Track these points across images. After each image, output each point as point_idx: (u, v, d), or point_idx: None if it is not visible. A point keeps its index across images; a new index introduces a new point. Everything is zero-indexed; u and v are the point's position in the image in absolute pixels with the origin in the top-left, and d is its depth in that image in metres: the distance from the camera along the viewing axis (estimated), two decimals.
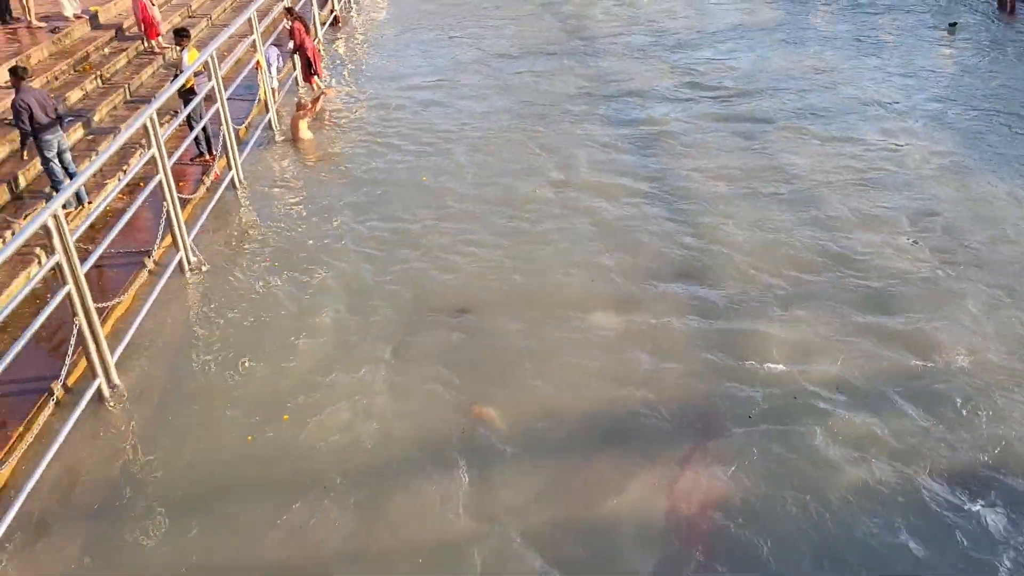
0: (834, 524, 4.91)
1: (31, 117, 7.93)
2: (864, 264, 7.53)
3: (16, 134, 8.52)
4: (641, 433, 5.65)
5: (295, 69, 12.76)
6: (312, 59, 12.42)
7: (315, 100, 11.15)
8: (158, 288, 7.17)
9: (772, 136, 10.52)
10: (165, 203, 7.49)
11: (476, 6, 17.78)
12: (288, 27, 12.37)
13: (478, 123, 11.24)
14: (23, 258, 7.32)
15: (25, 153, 8.58)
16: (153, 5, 12.59)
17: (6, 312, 5.21)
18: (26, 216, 8.04)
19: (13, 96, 8.07)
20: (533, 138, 10.63)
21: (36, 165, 8.63)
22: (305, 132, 10.80)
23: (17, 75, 8.02)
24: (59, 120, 8.23)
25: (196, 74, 9.40)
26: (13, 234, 7.25)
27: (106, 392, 6.03)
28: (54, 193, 8.05)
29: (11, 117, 8.21)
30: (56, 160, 8.21)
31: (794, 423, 5.67)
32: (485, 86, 12.81)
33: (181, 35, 9.82)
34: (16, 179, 8.60)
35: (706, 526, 4.96)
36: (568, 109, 11.67)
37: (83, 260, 5.88)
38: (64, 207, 5.91)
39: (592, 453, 5.50)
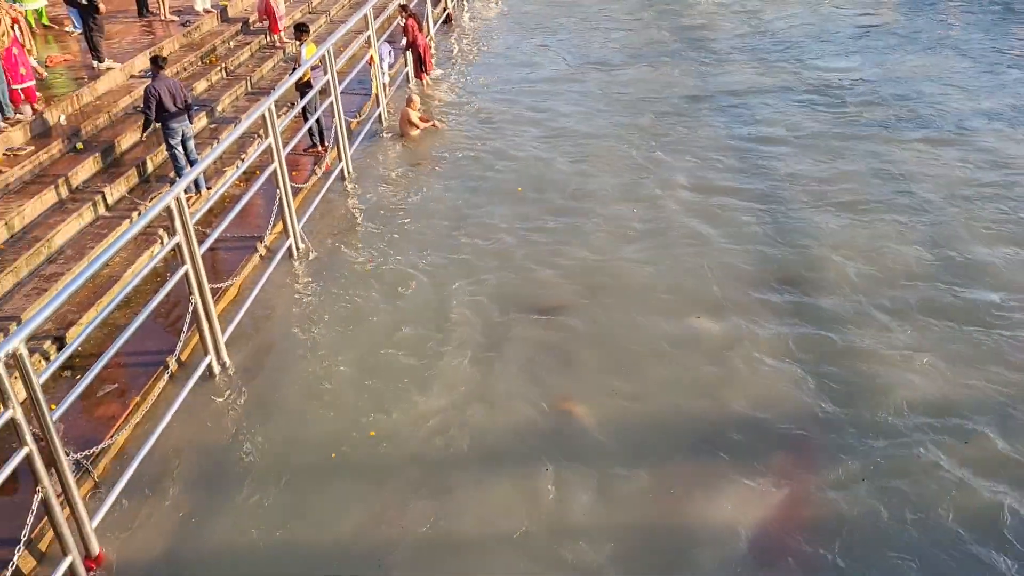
0: (935, 566, 4.59)
1: (159, 105, 8.38)
2: (994, 283, 7.03)
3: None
4: (733, 446, 5.45)
5: (406, 65, 13.05)
6: (423, 55, 12.68)
7: (424, 119, 11.18)
8: (268, 272, 7.48)
9: (896, 147, 9.96)
10: (278, 191, 7.79)
11: (586, 9, 17.68)
12: (402, 24, 12.67)
13: (583, 126, 11.15)
14: (147, 238, 7.78)
15: (144, 135, 9.04)
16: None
17: (130, 287, 5.52)
18: (152, 199, 8.53)
19: (149, 82, 8.55)
20: (640, 142, 10.45)
21: (163, 151, 9.13)
22: (413, 129, 11.00)
23: (157, 64, 8.52)
24: (188, 109, 8.66)
25: (313, 68, 9.74)
26: (139, 215, 7.69)
27: (216, 369, 6.32)
28: (177, 178, 8.49)
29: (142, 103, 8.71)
30: (180, 147, 8.66)
31: (899, 453, 5.33)
32: (593, 88, 12.70)
33: (301, 30, 10.20)
34: (145, 164, 9.13)
35: (793, 553, 4.71)
36: (678, 112, 11.42)
37: (201, 242, 6.17)
38: (185, 191, 6.21)
39: (679, 462, 5.36)
